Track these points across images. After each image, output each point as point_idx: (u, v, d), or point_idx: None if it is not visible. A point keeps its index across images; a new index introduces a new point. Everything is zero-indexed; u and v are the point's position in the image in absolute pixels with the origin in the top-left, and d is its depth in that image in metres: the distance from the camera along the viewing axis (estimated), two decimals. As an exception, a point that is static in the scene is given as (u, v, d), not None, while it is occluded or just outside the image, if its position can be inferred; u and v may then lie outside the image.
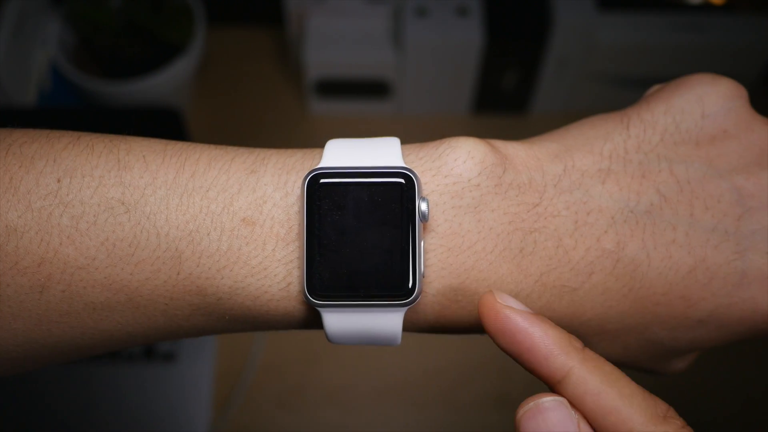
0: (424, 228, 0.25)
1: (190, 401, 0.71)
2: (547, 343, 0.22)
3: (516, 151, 0.26)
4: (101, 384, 0.71)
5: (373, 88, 0.86)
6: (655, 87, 0.29)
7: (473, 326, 0.27)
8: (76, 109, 0.81)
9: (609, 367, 0.22)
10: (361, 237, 0.24)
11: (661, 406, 0.22)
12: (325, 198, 0.24)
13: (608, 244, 0.26)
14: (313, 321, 0.26)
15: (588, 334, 0.27)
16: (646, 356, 0.29)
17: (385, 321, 0.25)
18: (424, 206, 0.24)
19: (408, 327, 0.26)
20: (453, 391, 0.74)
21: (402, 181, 0.24)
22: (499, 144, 0.27)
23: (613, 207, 0.26)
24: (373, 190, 0.24)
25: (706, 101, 0.27)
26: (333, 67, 0.83)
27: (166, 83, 0.78)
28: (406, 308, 0.25)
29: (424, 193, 0.25)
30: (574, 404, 0.22)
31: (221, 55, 0.92)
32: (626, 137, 0.27)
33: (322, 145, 0.27)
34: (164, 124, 0.69)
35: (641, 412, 0.21)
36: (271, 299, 0.25)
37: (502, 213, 0.25)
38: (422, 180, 0.25)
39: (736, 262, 0.26)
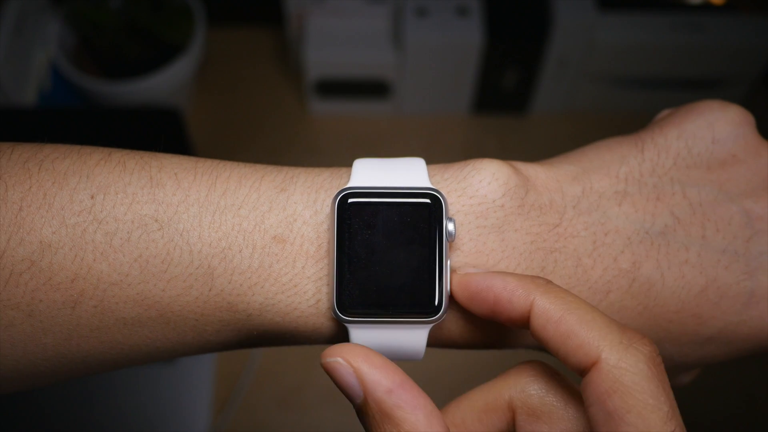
0: (451, 247, 0.26)
1: (190, 402, 0.71)
2: (508, 288, 0.23)
3: (537, 173, 0.27)
4: (101, 385, 0.71)
5: (373, 88, 0.86)
6: (665, 111, 0.30)
7: (496, 342, 0.27)
8: (76, 109, 0.81)
9: (572, 297, 0.23)
10: (389, 255, 0.25)
11: (629, 334, 0.22)
12: (355, 217, 0.25)
13: (625, 264, 0.26)
14: (341, 337, 0.26)
15: None
16: None
17: (411, 337, 0.25)
18: (451, 226, 0.25)
19: (432, 343, 0.27)
20: (453, 393, 0.74)
21: (430, 201, 0.25)
22: (521, 166, 0.27)
23: (629, 228, 0.27)
24: (401, 209, 0.25)
25: (716, 127, 0.28)
26: (333, 67, 0.83)
27: (166, 83, 0.78)
28: (431, 325, 0.25)
29: (450, 213, 0.26)
30: (538, 336, 0.23)
31: (221, 55, 0.92)
32: (641, 161, 0.28)
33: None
34: (164, 124, 0.69)
35: (602, 337, 0.22)
36: (301, 315, 0.25)
37: (525, 233, 0.26)
38: (448, 200, 0.26)
39: (745, 282, 0.27)
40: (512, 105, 0.89)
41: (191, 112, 0.88)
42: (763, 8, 0.83)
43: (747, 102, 0.88)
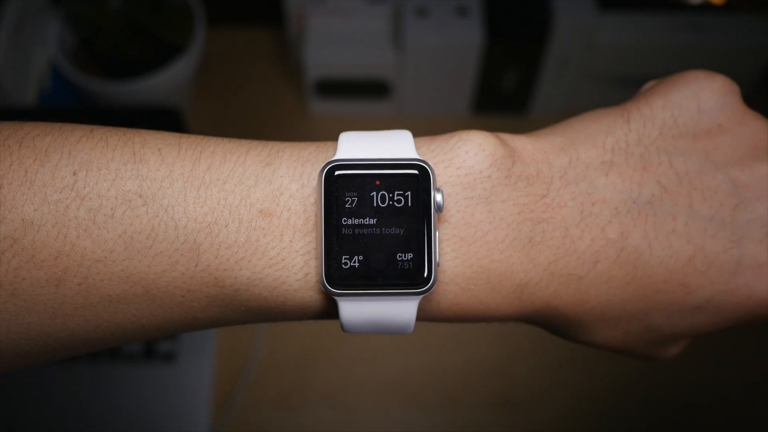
0: (439, 218, 0.26)
1: (190, 401, 0.71)
2: None
3: (523, 144, 0.27)
4: (101, 384, 0.71)
5: (373, 88, 0.86)
6: (651, 83, 0.30)
7: (482, 315, 0.27)
8: (76, 109, 0.81)
9: None
10: (378, 227, 0.25)
11: None
12: (342, 189, 0.25)
13: (612, 234, 0.27)
14: (329, 311, 0.26)
15: (591, 321, 0.28)
16: (643, 342, 0.29)
17: (400, 309, 0.26)
18: (439, 197, 0.25)
19: (420, 316, 0.27)
20: (453, 391, 0.74)
21: (417, 172, 0.25)
22: (507, 137, 0.27)
23: (616, 198, 0.27)
24: (389, 181, 0.25)
25: (702, 97, 0.28)
26: (333, 67, 0.83)
27: (166, 83, 0.78)
28: (421, 297, 0.25)
29: (437, 184, 0.26)
30: None
31: (221, 55, 0.92)
32: (627, 131, 0.28)
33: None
34: (164, 124, 0.69)
35: None
36: (289, 290, 0.25)
37: (512, 204, 0.26)
38: (435, 171, 0.26)
39: (732, 251, 0.27)
40: (512, 105, 0.89)
41: (191, 112, 0.88)
42: (763, 8, 0.83)
43: (747, 102, 0.88)
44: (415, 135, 0.27)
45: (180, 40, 0.80)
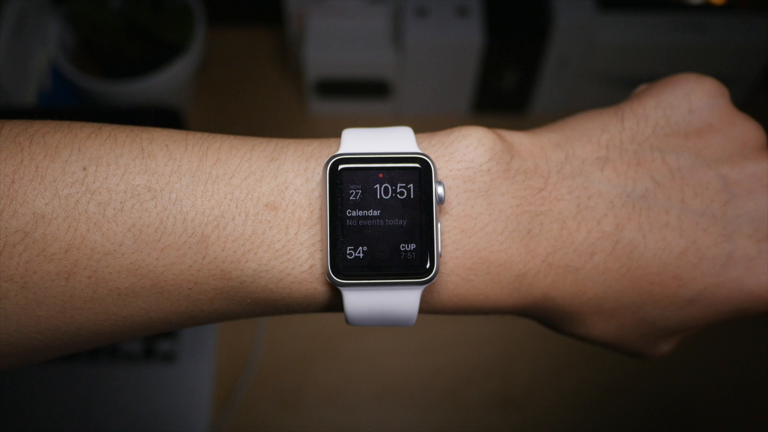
0: (440, 211, 0.26)
1: (190, 401, 0.71)
2: None
3: (521, 139, 0.28)
4: (101, 384, 0.71)
5: (373, 88, 0.86)
6: (643, 86, 0.31)
7: (483, 306, 0.28)
8: (76, 109, 0.81)
9: None
10: (381, 219, 0.26)
11: None
12: (347, 182, 0.26)
13: (608, 227, 0.27)
14: (333, 303, 0.27)
15: (587, 313, 0.29)
16: (637, 336, 0.30)
17: (403, 299, 0.26)
18: (440, 189, 0.26)
19: (423, 308, 0.27)
20: (453, 392, 0.74)
21: (419, 165, 0.26)
22: (505, 133, 0.28)
23: (611, 192, 0.28)
24: (392, 174, 0.26)
25: (693, 98, 0.29)
26: (333, 67, 0.83)
27: (166, 83, 0.78)
28: (423, 287, 0.26)
29: (439, 177, 0.27)
30: None
31: (221, 55, 0.92)
32: (621, 129, 0.29)
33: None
34: (164, 124, 0.69)
35: None
36: (294, 281, 0.26)
37: (511, 197, 0.27)
38: (436, 165, 0.27)
39: (723, 244, 0.28)
40: (512, 105, 0.89)
41: (191, 112, 0.88)
42: (763, 8, 0.83)
43: (747, 102, 0.88)
44: (416, 134, 0.28)
45: (180, 40, 0.80)
